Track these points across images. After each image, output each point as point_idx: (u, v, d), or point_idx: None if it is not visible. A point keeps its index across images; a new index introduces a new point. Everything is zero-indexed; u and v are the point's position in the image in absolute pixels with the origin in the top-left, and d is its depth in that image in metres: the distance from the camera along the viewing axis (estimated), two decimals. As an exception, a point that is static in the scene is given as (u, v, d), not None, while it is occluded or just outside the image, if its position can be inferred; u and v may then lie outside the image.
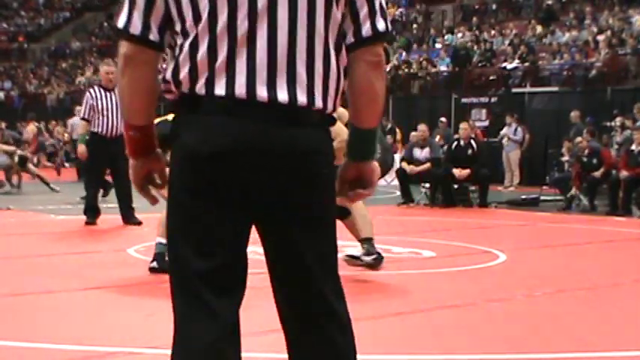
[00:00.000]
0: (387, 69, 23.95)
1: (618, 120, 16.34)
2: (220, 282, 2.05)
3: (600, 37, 20.54)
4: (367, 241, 6.13)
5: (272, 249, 2.13)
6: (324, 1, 2.05)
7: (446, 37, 25.19)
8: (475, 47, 23.13)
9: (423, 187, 14.12)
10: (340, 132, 3.93)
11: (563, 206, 13.01)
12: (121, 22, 2.08)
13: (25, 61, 40.90)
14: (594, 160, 12.82)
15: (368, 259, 6.09)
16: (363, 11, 2.09)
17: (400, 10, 28.36)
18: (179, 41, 2.07)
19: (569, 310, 5.16)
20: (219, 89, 2.02)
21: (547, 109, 19.67)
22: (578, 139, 13.49)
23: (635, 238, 9.58)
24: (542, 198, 14.09)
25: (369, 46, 2.11)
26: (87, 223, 9.62)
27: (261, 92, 2.02)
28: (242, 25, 2.02)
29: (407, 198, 13.56)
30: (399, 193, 14.22)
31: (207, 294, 2.03)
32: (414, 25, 27.24)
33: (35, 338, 4.19)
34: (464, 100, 21.40)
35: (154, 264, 6.06)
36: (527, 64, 21.10)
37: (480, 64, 22.47)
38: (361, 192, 2.27)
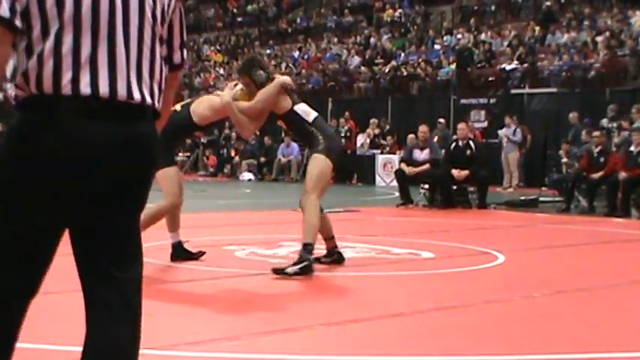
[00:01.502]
0: (387, 70, 24.11)
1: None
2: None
3: (599, 38, 20.55)
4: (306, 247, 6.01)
5: (99, 236, 2.29)
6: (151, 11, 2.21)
7: (445, 38, 25.19)
8: (474, 48, 23.14)
9: (422, 188, 14.12)
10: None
11: (562, 207, 13.03)
12: None
13: (24, 61, 40.82)
14: (602, 159, 12.79)
15: (294, 268, 5.85)
16: (177, 42, 2.38)
17: (399, 11, 28.37)
18: (35, 34, 2.07)
19: (567, 311, 5.16)
20: (85, 88, 2.07)
21: (546, 109, 19.70)
22: (596, 133, 13.47)
23: (633, 239, 9.58)
24: (541, 199, 14.10)
25: (177, 72, 2.42)
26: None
27: (122, 91, 2.13)
28: (103, 20, 2.09)
29: (406, 199, 13.55)
30: (397, 194, 14.23)
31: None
32: (413, 27, 27.22)
33: (35, 338, 4.18)
34: (463, 101, 21.43)
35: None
36: (526, 65, 21.11)
37: (478, 65, 22.49)
38: None
